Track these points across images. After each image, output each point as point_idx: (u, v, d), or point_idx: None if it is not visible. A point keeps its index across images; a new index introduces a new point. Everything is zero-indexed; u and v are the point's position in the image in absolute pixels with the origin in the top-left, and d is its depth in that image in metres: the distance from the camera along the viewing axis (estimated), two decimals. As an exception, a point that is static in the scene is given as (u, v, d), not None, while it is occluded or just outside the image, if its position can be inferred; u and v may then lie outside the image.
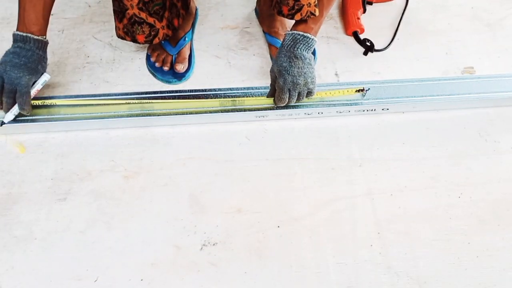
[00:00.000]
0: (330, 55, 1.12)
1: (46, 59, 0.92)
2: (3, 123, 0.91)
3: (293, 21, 1.08)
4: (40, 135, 0.95)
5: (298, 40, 0.91)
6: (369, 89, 0.99)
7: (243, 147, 0.95)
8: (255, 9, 1.18)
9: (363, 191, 0.90)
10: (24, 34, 0.87)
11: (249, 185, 0.90)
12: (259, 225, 0.86)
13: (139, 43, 0.98)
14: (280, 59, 0.92)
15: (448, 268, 0.82)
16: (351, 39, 1.15)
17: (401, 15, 1.21)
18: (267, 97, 0.97)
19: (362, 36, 1.12)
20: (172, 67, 1.05)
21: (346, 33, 1.16)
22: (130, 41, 0.98)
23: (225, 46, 1.12)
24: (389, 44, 1.13)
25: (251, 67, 1.08)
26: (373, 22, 1.18)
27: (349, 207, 0.88)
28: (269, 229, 0.85)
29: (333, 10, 1.22)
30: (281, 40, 1.08)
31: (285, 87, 0.92)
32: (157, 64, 1.05)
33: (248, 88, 1.00)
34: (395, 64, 1.10)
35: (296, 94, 0.93)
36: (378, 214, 0.88)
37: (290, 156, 0.95)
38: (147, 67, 1.07)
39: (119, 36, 0.98)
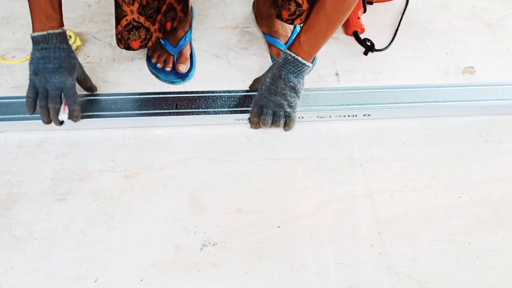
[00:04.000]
0: (330, 55, 1.12)
1: (71, 48, 0.88)
2: (63, 122, 0.90)
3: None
4: (40, 134, 0.95)
5: (288, 62, 0.88)
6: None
7: (243, 147, 0.95)
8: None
9: (363, 191, 0.90)
10: (45, 33, 0.83)
11: (249, 185, 0.90)
12: (259, 225, 0.86)
13: (133, 49, 0.97)
14: (266, 75, 0.91)
15: (449, 268, 0.82)
16: (352, 39, 1.15)
17: (401, 15, 1.20)
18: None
19: (362, 36, 1.12)
20: (174, 67, 1.05)
21: (347, 32, 1.16)
22: (123, 48, 0.97)
23: (225, 46, 1.12)
24: (389, 44, 1.13)
25: (251, 67, 1.08)
26: (373, 22, 1.18)
27: (350, 207, 0.88)
28: (269, 229, 0.85)
29: (333, 10, 1.22)
30: (281, 39, 1.07)
31: (259, 102, 0.91)
32: (158, 65, 1.05)
33: (248, 91, 0.99)
34: (396, 64, 1.10)
35: (270, 112, 0.91)
36: (379, 214, 0.88)
37: (290, 156, 0.95)
38: (149, 68, 1.06)
39: (116, 41, 0.98)
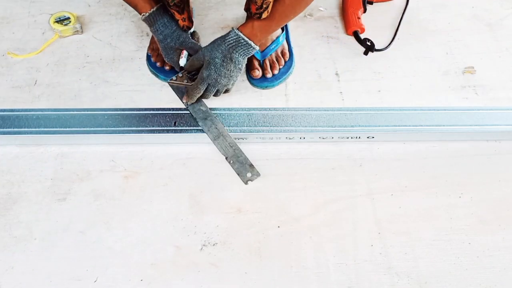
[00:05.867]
0: (330, 55, 1.12)
1: None
2: (182, 68, 0.99)
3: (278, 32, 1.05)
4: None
5: (240, 45, 0.91)
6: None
7: (243, 147, 0.95)
8: None
9: (363, 191, 0.90)
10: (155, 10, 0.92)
11: (249, 185, 0.90)
12: (259, 225, 0.86)
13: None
14: (215, 53, 0.92)
15: (449, 268, 0.82)
16: (352, 39, 1.15)
17: (401, 14, 1.20)
18: (182, 70, 1.00)
19: (362, 36, 1.12)
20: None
21: (347, 32, 1.16)
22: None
23: (225, 46, 1.12)
24: (389, 44, 1.13)
25: (251, 67, 1.08)
26: (373, 21, 1.18)
27: (350, 207, 0.88)
28: (269, 229, 0.85)
29: (334, 10, 1.22)
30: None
31: (207, 81, 0.94)
32: (158, 64, 1.05)
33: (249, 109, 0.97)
34: (396, 64, 1.10)
35: (214, 91, 0.95)
36: (379, 214, 0.88)
37: (290, 156, 0.95)
38: (149, 67, 1.07)
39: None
